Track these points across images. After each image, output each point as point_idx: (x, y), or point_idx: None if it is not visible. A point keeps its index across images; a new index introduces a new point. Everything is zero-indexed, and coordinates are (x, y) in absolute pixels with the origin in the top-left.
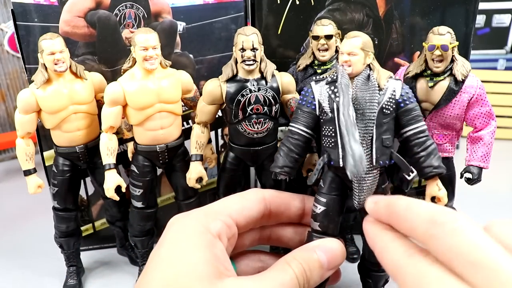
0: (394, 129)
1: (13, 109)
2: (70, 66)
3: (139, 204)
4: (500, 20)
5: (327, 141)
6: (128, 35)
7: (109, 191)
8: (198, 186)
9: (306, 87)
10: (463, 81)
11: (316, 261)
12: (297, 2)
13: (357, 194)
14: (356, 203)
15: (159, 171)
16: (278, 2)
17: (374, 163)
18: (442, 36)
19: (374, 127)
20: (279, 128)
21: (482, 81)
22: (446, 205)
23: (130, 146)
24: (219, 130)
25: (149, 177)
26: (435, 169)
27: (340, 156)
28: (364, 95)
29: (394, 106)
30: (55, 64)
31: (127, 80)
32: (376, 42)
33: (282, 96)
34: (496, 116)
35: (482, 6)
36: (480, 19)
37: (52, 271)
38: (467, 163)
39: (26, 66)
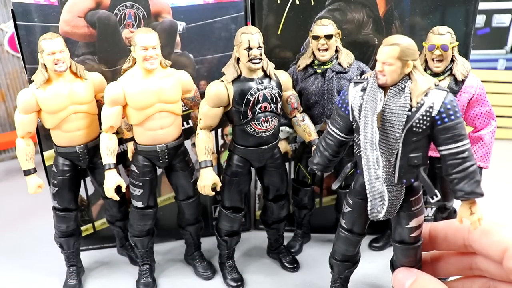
0: (428, 146)
1: (13, 109)
2: (70, 66)
3: (139, 204)
4: (500, 20)
5: (356, 148)
6: (128, 35)
7: (109, 191)
8: (212, 193)
9: (345, 88)
10: (463, 81)
11: None
12: (297, 2)
13: (369, 202)
14: (370, 216)
15: (159, 171)
16: (278, 2)
17: (396, 181)
18: (442, 36)
19: (400, 145)
20: (280, 128)
21: (482, 81)
22: (445, 205)
23: (130, 146)
24: (219, 130)
25: (149, 177)
26: (466, 195)
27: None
28: (393, 109)
29: (428, 124)
30: (55, 64)
31: (127, 80)
32: (376, 42)
33: (282, 94)
34: (496, 116)
35: (482, 6)
36: (480, 19)
37: (52, 271)
38: None
39: (26, 66)
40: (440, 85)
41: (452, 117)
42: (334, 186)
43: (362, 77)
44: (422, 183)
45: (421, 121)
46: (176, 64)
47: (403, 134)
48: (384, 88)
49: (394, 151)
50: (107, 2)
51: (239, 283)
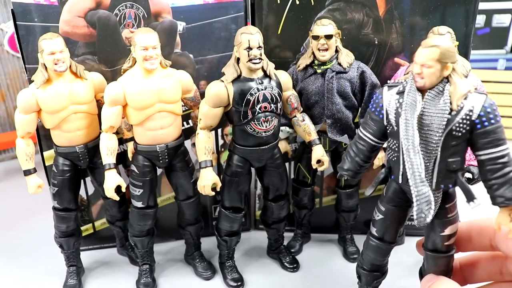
0: (465, 150)
1: (13, 109)
2: (70, 66)
3: (139, 204)
4: (500, 20)
5: (390, 153)
6: (128, 35)
7: (109, 191)
8: (212, 193)
9: (378, 92)
10: None
11: None
12: (297, 2)
13: (415, 207)
14: (416, 221)
15: (159, 171)
16: (278, 2)
17: (434, 187)
18: (442, 36)
19: (439, 149)
20: (280, 128)
21: (482, 81)
22: None
23: (130, 146)
24: (219, 130)
25: (149, 177)
26: (507, 201)
27: (401, 173)
28: (432, 113)
29: (468, 128)
30: (55, 64)
31: (127, 80)
32: (376, 42)
33: (282, 94)
34: None
35: (482, 6)
36: (480, 19)
37: (52, 271)
38: (467, 163)
39: (26, 66)
40: (478, 88)
41: (492, 121)
42: (368, 192)
43: (397, 80)
44: (460, 188)
45: (461, 125)
46: (176, 64)
47: (442, 138)
48: (421, 91)
49: (432, 156)
50: (107, 2)
51: (239, 283)
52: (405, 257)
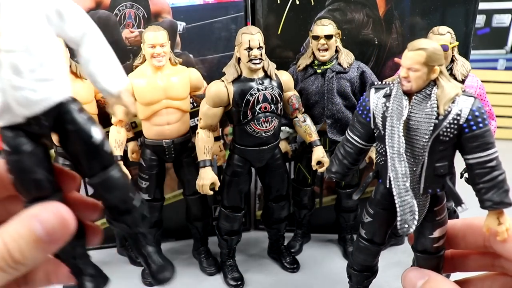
0: (453, 154)
1: None
2: (70, 66)
3: (145, 197)
4: (500, 20)
5: (378, 157)
6: (128, 35)
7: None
8: (211, 193)
9: (365, 94)
10: (463, 81)
11: (30, 234)
12: (297, 2)
13: (399, 217)
14: (399, 231)
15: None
16: (278, 2)
17: (422, 192)
18: (442, 36)
19: (426, 154)
20: (281, 128)
21: (482, 81)
22: (446, 205)
23: (130, 146)
24: (219, 130)
25: (156, 171)
26: (495, 205)
27: (388, 177)
28: (419, 117)
29: (455, 132)
30: None
31: (136, 76)
32: (376, 42)
33: (283, 94)
34: (496, 116)
35: (482, 6)
36: (480, 19)
37: None
38: None
39: None
40: (466, 90)
41: (481, 125)
42: (355, 196)
43: (383, 82)
44: (448, 193)
45: (449, 129)
46: None
47: (429, 143)
48: (408, 94)
49: (420, 161)
50: (107, 2)
51: (239, 282)
52: (404, 257)
